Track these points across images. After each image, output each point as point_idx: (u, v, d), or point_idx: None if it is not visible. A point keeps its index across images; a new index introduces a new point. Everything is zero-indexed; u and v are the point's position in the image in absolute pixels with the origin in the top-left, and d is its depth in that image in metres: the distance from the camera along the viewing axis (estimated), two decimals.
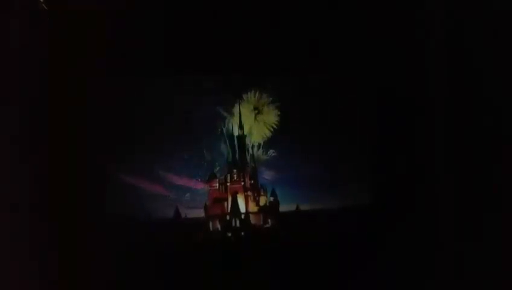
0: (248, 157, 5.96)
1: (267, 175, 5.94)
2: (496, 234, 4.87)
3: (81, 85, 5.26)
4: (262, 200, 5.91)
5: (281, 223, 5.75)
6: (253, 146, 5.96)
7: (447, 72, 5.33)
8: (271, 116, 5.93)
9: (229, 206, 5.82)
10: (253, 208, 5.88)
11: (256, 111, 5.95)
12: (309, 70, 5.70)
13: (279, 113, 5.91)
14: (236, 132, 5.93)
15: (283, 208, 5.80)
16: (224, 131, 5.91)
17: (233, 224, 5.72)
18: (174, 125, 5.70)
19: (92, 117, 5.32)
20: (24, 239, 4.75)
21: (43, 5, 5.07)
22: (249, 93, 5.92)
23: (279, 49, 5.51)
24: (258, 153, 5.94)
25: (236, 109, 5.92)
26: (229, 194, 5.87)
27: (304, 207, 5.74)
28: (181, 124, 5.71)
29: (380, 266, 5.25)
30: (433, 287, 5.24)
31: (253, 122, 5.95)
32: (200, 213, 5.73)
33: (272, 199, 5.85)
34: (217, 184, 5.89)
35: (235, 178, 5.92)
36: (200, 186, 5.83)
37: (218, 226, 5.73)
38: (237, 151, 5.94)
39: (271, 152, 5.90)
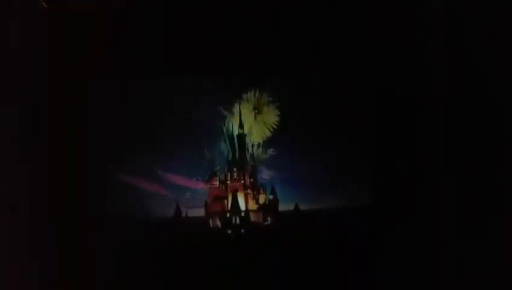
0: (248, 156, 5.96)
1: (266, 175, 5.93)
2: (496, 234, 4.87)
3: (81, 85, 5.26)
4: (262, 198, 5.91)
5: (281, 223, 5.75)
6: (253, 145, 5.96)
7: (447, 72, 5.32)
8: (271, 116, 5.92)
9: (229, 204, 5.82)
10: (253, 205, 5.88)
11: (256, 111, 5.94)
12: (309, 70, 5.69)
13: (279, 113, 5.90)
14: (236, 131, 5.93)
15: (283, 207, 5.79)
16: (225, 130, 5.91)
17: (233, 221, 5.73)
18: (174, 125, 5.69)
19: (92, 117, 5.32)
20: (24, 239, 4.74)
21: (43, 3, 5.06)
22: (248, 93, 5.91)
23: (279, 49, 5.50)
24: (258, 152, 5.94)
25: (236, 109, 5.92)
26: (229, 192, 5.87)
27: (303, 207, 5.73)
28: (181, 124, 5.70)
29: (380, 266, 5.25)
30: (433, 287, 5.25)
31: (253, 122, 5.94)
32: (200, 212, 5.73)
33: (271, 197, 5.85)
34: (217, 182, 5.89)
35: (235, 176, 5.92)
36: (200, 186, 5.82)
37: (218, 223, 5.73)
38: (237, 150, 5.93)
39: (270, 151, 5.90)
